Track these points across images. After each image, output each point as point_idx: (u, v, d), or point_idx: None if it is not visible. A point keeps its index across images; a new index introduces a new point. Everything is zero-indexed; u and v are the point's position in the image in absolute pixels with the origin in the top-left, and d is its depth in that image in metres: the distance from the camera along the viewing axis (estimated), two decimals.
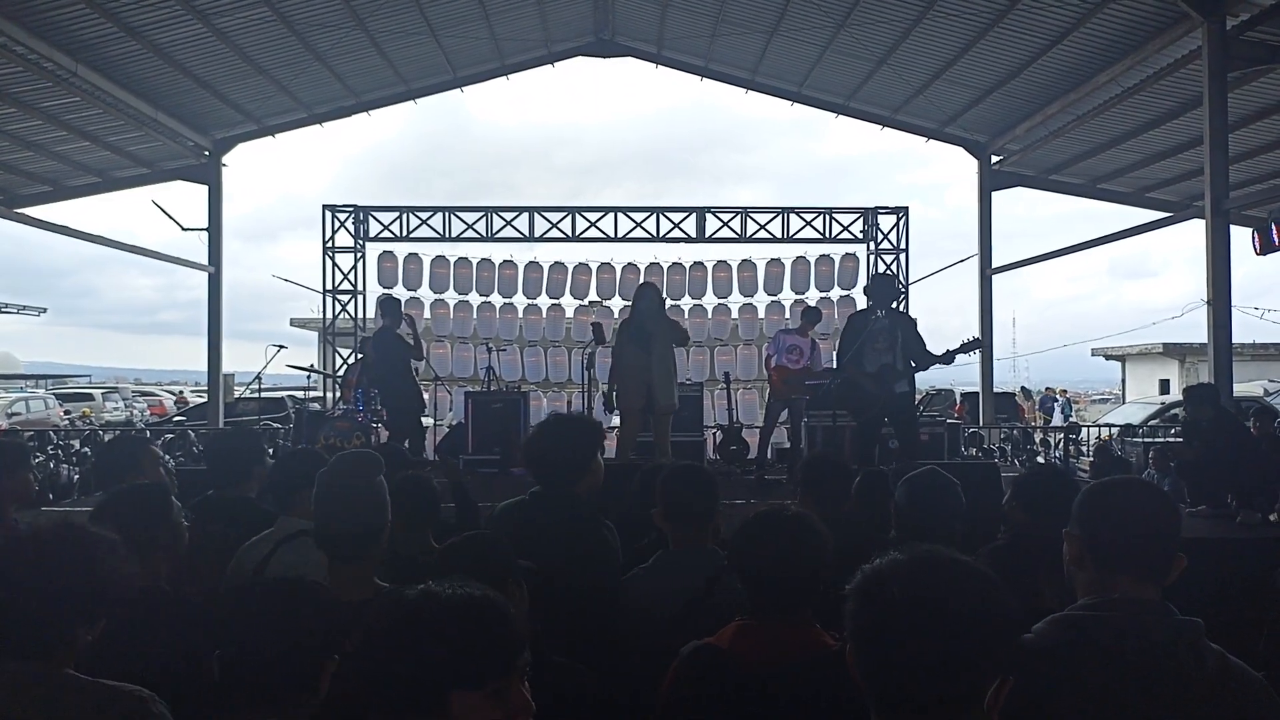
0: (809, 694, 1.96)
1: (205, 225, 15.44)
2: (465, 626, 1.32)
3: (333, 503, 2.51)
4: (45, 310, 23.42)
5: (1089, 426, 16.99)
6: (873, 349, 7.00)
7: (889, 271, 12.67)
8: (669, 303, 12.93)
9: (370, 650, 1.33)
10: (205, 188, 15.40)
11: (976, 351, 6.95)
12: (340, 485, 2.52)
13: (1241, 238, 10.15)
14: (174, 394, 33.50)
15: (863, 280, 13.06)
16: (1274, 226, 7.29)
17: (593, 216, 13.45)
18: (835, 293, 13.08)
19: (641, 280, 12.55)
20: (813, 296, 13.02)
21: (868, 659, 1.28)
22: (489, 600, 1.37)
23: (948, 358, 6.85)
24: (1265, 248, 7.44)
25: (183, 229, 15.25)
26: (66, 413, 23.92)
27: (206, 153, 15.26)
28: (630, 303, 8.11)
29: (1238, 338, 10.51)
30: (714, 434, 11.14)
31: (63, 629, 1.90)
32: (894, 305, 7.41)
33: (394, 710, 1.29)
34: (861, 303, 13.16)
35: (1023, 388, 28.46)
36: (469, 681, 1.30)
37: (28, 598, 1.85)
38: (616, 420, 11.03)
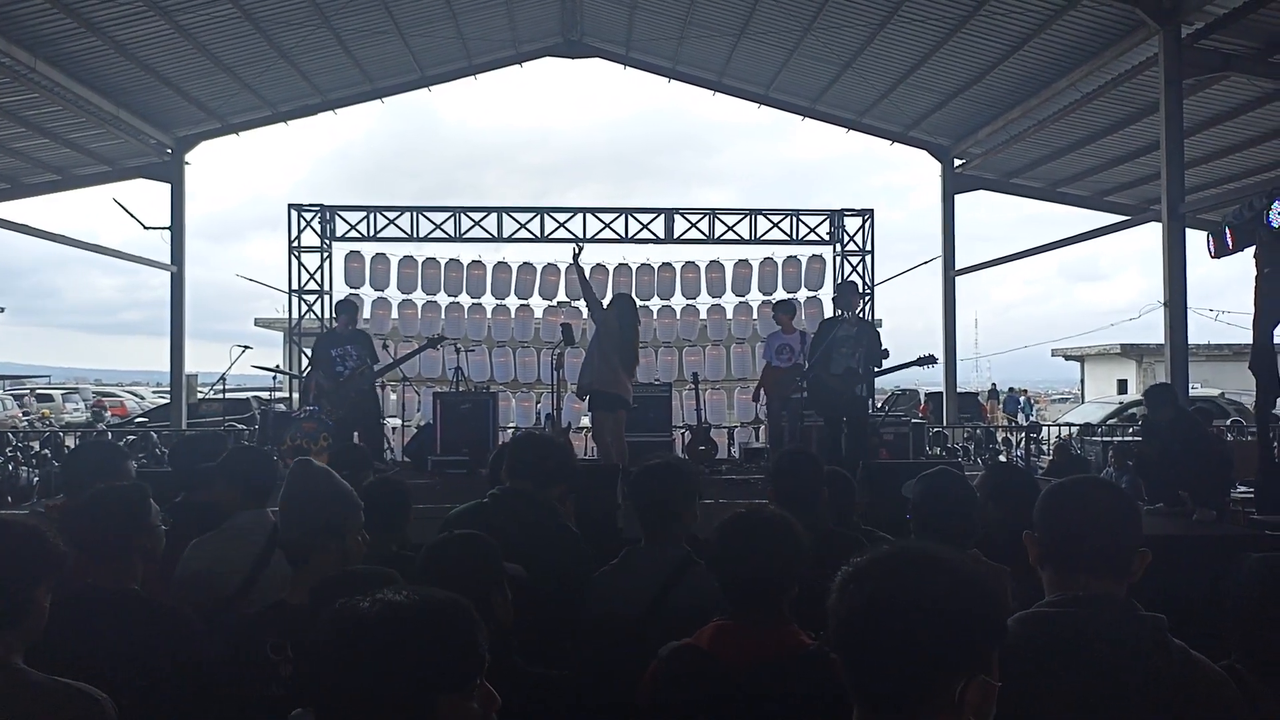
0: (788, 693, 2.00)
1: (168, 224, 15.24)
2: (446, 630, 1.34)
3: (287, 507, 2.54)
4: (3, 310, 22.98)
5: (1049, 426, 17.27)
6: (839, 353, 7.42)
7: (852, 279, 12.82)
8: (637, 303, 13.00)
9: (345, 664, 1.31)
10: (168, 186, 15.19)
11: (930, 366, 7.83)
12: (297, 489, 2.55)
13: (1197, 241, 10.39)
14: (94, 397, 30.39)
15: (829, 281, 13.19)
16: (1228, 230, 7.45)
17: (561, 217, 13.44)
18: (802, 294, 13.18)
19: (611, 281, 12.61)
20: (780, 297, 13.10)
21: (845, 655, 1.30)
22: (457, 602, 1.40)
23: (892, 371, 7.62)
24: (1219, 251, 7.59)
25: (145, 228, 15.07)
26: (25, 414, 23.47)
27: (169, 150, 15.05)
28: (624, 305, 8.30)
29: (1193, 339, 10.76)
30: (682, 434, 11.19)
31: (17, 602, 1.90)
32: (858, 311, 7.91)
33: None
34: (828, 304, 13.33)
35: (993, 385, 28.88)
36: (453, 683, 1.32)
37: None
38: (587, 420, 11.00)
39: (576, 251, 8.96)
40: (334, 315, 9.13)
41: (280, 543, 2.59)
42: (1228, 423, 15.94)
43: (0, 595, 1.90)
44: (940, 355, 16.50)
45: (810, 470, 3.40)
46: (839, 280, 12.77)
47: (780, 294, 13.09)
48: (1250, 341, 6.79)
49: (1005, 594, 1.32)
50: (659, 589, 2.71)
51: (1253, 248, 6.79)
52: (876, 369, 7.76)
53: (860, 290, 7.80)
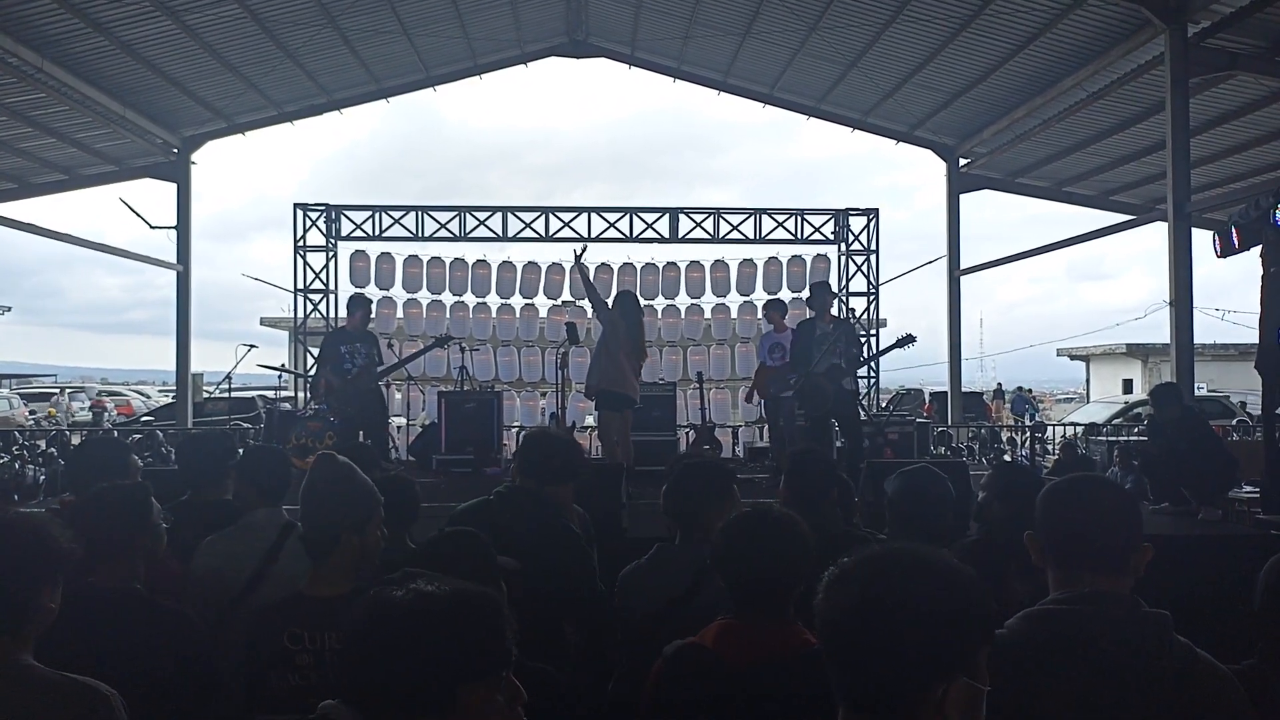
0: (791, 692, 2.00)
1: (174, 223, 15.28)
2: (473, 621, 1.37)
3: (309, 501, 2.57)
4: (10, 309, 23.07)
5: (1054, 425, 17.25)
6: (820, 351, 7.59)
7: (823, 280, 12.81)
8: (641, 302, 13.00)
9: (373, 650, 1.35)
10: (174, 185, 15.24)
11: (910, 345, 7.85)
12: (319, 483, 2.57)
13: (1202, 240, 10.37)
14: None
15: (834, 281, 13.18)
16: (1234, 230, 7.43)
17: (566, 217, 13.45)
18: (807, 293, 13.16)
19: (616, 281, 12.60)
20: (785, 297, 13.07)
21: (831, 656, 1.30)
22: (487, 595, 1.42)
23: (877, 356, 7.77)
24: (1225, 250, 7.58)
25: (151, 227, 15.10)
26: (31, 413, 23.56)
27: (175, 150, 15.09)
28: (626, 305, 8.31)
29: (1199, 338, 10.73)
30: (687, 433, 11.19)
31: (20, 601, 1.92)
32: (833, 311, 8.25)
33: (401, 707, 1.32)
34: (835, 303, 13.31)
35: (999, 384, 28.84)
36: (477, 674, 1.35)
37: None
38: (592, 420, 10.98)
39: (578, 253, 9.01)
40: (348, 312, 9.15)
41: (302, 536, 2.60)
42: (1234, 422, 15.92)
43: (7, 594, 1.92)
44: (945, 355, 16.52)
45: (821, 470, 3.40)
46: (818, 281, 12.75)
47: (785, 294, 13.08)
48: (1256, 341, 6.76)
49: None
50: (683, 588, 2.71)
51: (1259, 247, 6.77)
52: (861, 361, 8.06)
53: (833, 290, 8.06)
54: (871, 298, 13.14)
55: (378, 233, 13.13)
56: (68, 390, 30.62)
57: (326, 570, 2.50)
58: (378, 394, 9.23)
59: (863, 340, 8.11)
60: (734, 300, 13.29)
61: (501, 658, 1.37)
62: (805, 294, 11.33)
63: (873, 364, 8.59)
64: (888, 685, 1.24)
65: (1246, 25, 10.05)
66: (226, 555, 3.08)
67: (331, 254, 13.11)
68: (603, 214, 13.44)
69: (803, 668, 2.03)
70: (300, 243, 12.91)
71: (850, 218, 13.31)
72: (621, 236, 13.35)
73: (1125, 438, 13.03)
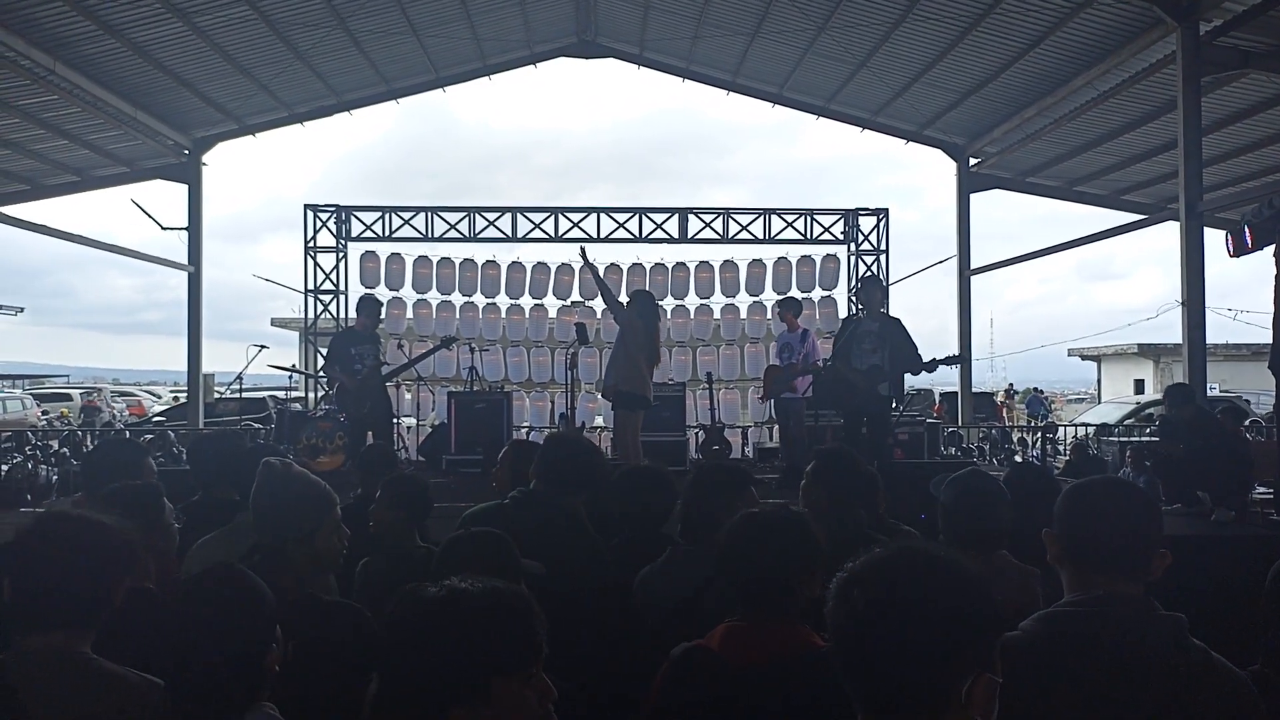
0: (798, 695, 1.99)
1: (185, 225, 15.34)
2: (506, 616, 1.41)
3: (254, 512, 2.61)
4: (22, 310, 23.14)
5: (1066, 426, 17.17)
6: (860, 349, 7.38)
7: (874, 274, 12.76)
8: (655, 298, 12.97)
9: (410, 644, 1.39)
10: (185, 187, 15.30)
11: (956, 365, 7.58)
12: (263, 495, 2.59)
13: (1215, 240, 10.30)
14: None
15: (843, 281, 13.15)
16: (1247, 229, 7.38)
17: (575, 217, 13.47)
18: (817, 293, 13.15)
19: (625, 281, 12.60)
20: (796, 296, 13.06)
21: (844, 659, 1.30)
22: (518, 592, 1.47)
23: (931, 366, 7.32)
24: (1238, 250, 7.52)
25: (163, 228, 15.18)
26: (44, 413, 23.69)
27: (186, 151, 15.15)
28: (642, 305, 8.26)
29: (1211, 338, 10.67)
30: (696, 434, 11.18)
31: (101, 595, 1.98)
32: (883, 308, 7.78)
33: (436, 700, 1.36)
34: (843, 303, 13.31)
35: (1010, 385, 28.77)
36: (509, 668, 1.38)
37: (51, 568, 1.94)
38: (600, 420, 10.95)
39: (582, 252, 9.05)
40: (357, 313, 9.20)
41: (254, 545, 2.61)
42: (1247, 423, 15.83)
43: (94, 588, 1.98)
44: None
45: (850, 469, 3.34)
46: (857, 278, 12.76)
47: (795, 294, 13.06)
48: (1269, 341, 6.73)
49: (1033, 593, 1.32)
50: (694, 589, 2.69)
51: (1272, 246, 6.73)
52: (911, 372, 7.60)
53: (884, 285, 7.73)
54: (885, 299, 13.10)
55: (388, 233, 13.17)
56: (108, 391, 30.81)
57: (278, 576, 2.50)
58: (385, 394, 9.28)
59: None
60: (743, 300, 13.30)
61: (533, 653, 1.41)
62: (845, 291, 11.13)
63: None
64: (914, 686, 1.24)
65: (1259, 23, 9.99)
66: (212, 559, 3.09)
67: (342, 255, 13.16)
68: (612, 214, 13.45)
69: (808, 670, 2.02)
70: (311, 243, 12.96)
71: (860, 218, 13.30)
72: (631, 237, 13.37)
73: (1137, 438, 12.97)
